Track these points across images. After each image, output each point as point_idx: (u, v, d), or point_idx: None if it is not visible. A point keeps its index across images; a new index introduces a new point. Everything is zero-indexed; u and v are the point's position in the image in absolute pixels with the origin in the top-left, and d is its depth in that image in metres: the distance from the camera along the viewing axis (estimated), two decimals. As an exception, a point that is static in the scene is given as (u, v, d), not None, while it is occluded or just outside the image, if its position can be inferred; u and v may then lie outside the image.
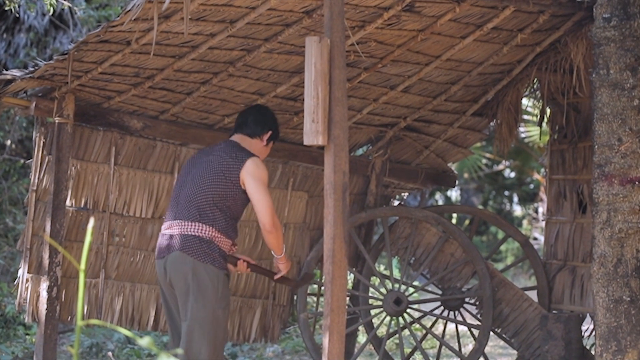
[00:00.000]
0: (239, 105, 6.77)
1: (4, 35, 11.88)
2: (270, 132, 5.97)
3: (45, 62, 5.85)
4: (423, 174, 7.70)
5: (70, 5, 9.84)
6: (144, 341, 2.74)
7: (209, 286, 5.61)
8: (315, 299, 7.76)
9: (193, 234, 5.63)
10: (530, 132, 15.72)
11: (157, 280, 5.99)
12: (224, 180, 5.72)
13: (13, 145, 11.21)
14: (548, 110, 7.44)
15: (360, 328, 8.23)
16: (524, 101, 9.89)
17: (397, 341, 9.13)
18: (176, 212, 5.73)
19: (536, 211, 19.16)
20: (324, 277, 4.72)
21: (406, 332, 9.08)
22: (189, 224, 5.65)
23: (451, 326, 9.27)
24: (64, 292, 6.42)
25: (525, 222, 19.11)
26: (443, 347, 7.77)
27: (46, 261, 6.21)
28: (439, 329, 9.69)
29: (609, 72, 5.27)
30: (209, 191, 5.70)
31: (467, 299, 7.37)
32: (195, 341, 5.64)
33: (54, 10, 8.17)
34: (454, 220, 16.19)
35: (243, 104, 6.76)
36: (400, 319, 7.26)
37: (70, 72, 5.83)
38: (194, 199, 5.70)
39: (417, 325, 9.10)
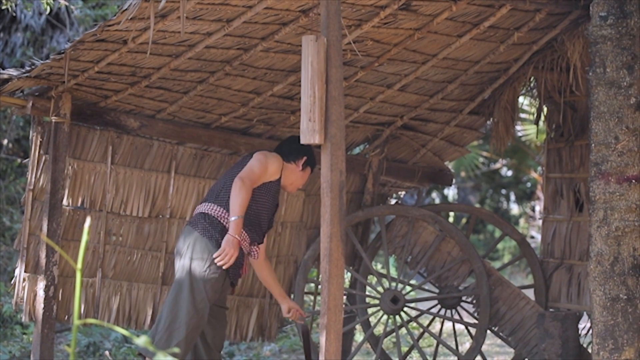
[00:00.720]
0: (236, 104, 6.77)
1: (1, 35, 11.86)
2: (305, 158, 6.17)
3: (42, 62, 5.84)
4: (420, 173, 7.69)
5: (67, 4, 9.83)
6: (141, 340, 2.74)
7: (199, 257, 5.79)
8: (312, 297, 7.76)
9: (202, 211, 5.94)
10: (527, 130, 15.72)
11: None
12: (239, 168, 5.96)
13: (10, 145, 11.20)
14: (545, 109, 7.44)
15: (358, 327, 8.22)
16: (521, 99, 9.90)
17: (394, 340, 9.14)
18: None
19: (533, 209, 19.16)
20: (321, 276, 4.71)
21: (403, 330, 9.08)
22: (203, 204, 5.98)
23: (448, 325, 9.28)
24: (61, 291, 6.42)
25: (522, 221, 19.10)
26: (440, 345, 7.77)
27: (43, 260, 6.21)
28: (436, 327, 9.69)
29: (606, 71, 5.27)
30: (227, 179, 5.97)
31: (464, 298, 7.37)
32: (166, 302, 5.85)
33: (51, 10, 8.16)
34: (451, 219, 16.19)
35: (240, 103, 6.77)
36: (398, 317, 7.27)
37: (66, 71, 5.82)
38: (213, 188, 6.04)
39: (414, 324, 9.10)
